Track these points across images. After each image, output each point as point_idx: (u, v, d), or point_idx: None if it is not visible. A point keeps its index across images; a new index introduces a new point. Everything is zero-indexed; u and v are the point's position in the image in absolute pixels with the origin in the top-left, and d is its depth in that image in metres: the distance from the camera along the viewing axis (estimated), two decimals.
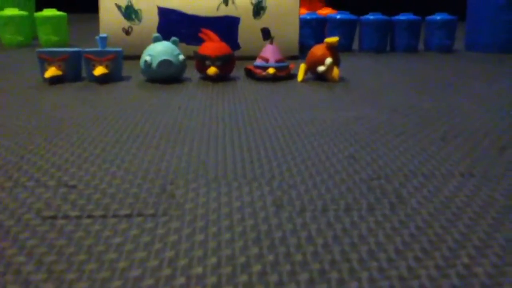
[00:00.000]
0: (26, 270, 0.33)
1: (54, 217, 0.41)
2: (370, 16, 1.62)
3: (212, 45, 1.07)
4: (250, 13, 1.38)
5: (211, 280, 0.32)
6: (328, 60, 1.06)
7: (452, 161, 0.56)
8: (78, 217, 0.41)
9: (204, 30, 1.12)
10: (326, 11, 2.05)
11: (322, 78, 1.10)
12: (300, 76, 1.09)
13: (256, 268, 0.34)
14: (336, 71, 1.07)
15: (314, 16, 1.64)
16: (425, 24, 1.68)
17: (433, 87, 1.04)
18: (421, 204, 0.45)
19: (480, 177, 0.52)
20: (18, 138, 0.64)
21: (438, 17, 1.65)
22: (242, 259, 0.35)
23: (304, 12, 1.86)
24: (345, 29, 1.64)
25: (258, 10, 1.38)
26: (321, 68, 1.07)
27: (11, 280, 0.32)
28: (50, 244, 0.37)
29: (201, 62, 1.07)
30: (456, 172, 0.53)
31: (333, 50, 1.07)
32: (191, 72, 1.17)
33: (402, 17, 1.63)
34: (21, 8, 1.78)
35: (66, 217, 0.41)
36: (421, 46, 1.71)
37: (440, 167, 0.54)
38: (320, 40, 1.64)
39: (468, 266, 0.34)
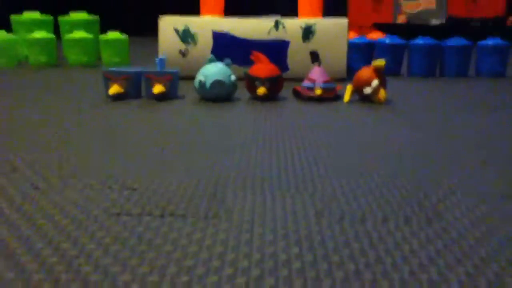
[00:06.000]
0: (96, 255, 0.39)
1: (118, 214, 0.47)
2: (420, 41, 1.63)
3: (262, 66, 1.12)
4: (300, 36, 1.44)
5: (255, 272, 0.36)
6: (375, 82, 1.08)
7: (491, 183, 0.58)
8: (139, 215, 0.47)
9: (254, 52, 1.18)
10: (375, 35, 2.08)
11: (369, 99, 1.12)
12: (347, 97, 1.12)
13: (296, 265, 0.37)
14: (382, 93, 1.09)
15: (363, 40, 1.67)
16: (476, 49, 1.67)
17: (480, 112, 1.04)
18: (457, 219, 0.47)
19: None
20: (85, 147, 0.71)
21: (490, 42, 1.63)
22: (283, 257, 0.39)
23: (353, 36, 1.89)
24: (394, 53, 1.66)
25: (307, 34, 1.43)
26: (367, 90, 1.09)
27: (83, 262, 0.37)
28: (115, 236, 0.42)
29: (251, 82, 1.12)
30: (494, 192, 0.54)
31: (379, 72, 1.10)
32: (242, 92, 1.23)
33: (452, 42, 1.63)
34: (87, 31, 1.93)
35: (129, 214, 0.47)
36: (471, 71, 1.70)
37: (479, 187, 0.56)
38: (368, 64, 1.66)
39: (499, 275, 0.36)
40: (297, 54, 1.44)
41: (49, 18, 2.03)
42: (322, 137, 0.79)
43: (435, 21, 3.66)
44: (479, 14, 3.48)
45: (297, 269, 0.37)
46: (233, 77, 1.10)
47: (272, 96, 1.14)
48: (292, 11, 1.62)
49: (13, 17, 1.99)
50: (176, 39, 1.44)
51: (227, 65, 1.12)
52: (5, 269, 0.36)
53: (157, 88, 1.08)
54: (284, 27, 1.44)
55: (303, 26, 1.43)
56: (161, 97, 1.11)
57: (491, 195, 0.53)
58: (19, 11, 2.01)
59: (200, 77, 1.09)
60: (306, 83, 1.16)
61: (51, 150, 0.70)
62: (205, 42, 1.44)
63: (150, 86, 1.10)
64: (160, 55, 1.38)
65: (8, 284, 0.34)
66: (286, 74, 1.45)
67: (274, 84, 1.11)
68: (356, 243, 0.41)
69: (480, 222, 0.46)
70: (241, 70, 1.42)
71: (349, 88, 1.13)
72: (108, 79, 1.10)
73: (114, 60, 1.83)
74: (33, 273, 0.36)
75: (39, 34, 1.82)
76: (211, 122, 0.90)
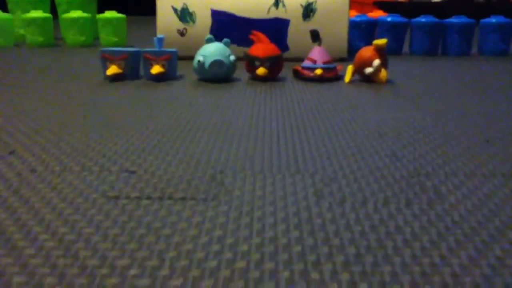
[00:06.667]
0: (94, 239, 0.38)
1: (117, 197, 0.46)
2: (422, 19, 1.61)
3: (262, 46, 1.11)
4: (300, 15, 1.41)
5: (255, 256, 0.36)
6: (376, 62, 1.07)
7: (494, 162, 0.57)
8: (138, 198, 0.46)
9: (254, 31, 1.16)
10: (376, 14, 2.05)
11: (370, 80, 1.11)
12: (347, 78, 1.11)
13: (296, 248, 0.37)
14: (383, 73, 1.08)
15: (364, 19, 1.64)
16: (479, 27, 1.64)
17: (483, 91, 1.03)
18: (459, 200, 0.46)
19: None
20: (83, 129, 0.71)
21: (493, 20, 1.61)
22: (284, 240, 0.38)
23: (354, 14, 1.87)
24: (396, 32, 1.64)
25: (308, 12, 1.41)
26: (368, 70, 1.08)
27: (82, 247, 0.37)
28: (114, 220, 0.42)
29: (251, 62, 1.11)
30: (498, 172, 0.54)
31: (381, 52, 1.08)
32: (241, 73, 1.21)
33: (454, 20, 1.60)
34: (84, 11, 1.89)
35: (127, 197, 0.46)
36: (474, 50, 1.67)
37: (482, 167, 0.55)
38: (369, 43, 1.64)
39: (501, 258, 0.36)
40: (297, 33, 1.42)
41: None
42: (323, 118, 0.78)
43: None
44: None
45: (297, 253, 0.36)
46: (232, 57, 1.09)
47: (272, 77, 1.13)
48: None
49: None
50: (174, 19, 1.42)
51: (226, 44, 1.10)
52: (1, 254, 0.36)
53: (156, 69, 1.07)
54: (284, 5, 1.41)
55: (304, 4, 1.41)
56: (159, 78, 1.09)
57: (494, 176, 0.52)
58: None
59: (199, 57, 1.08)
60: (306, 63, 1.14)
61: (49, 132, 0.69)
62: (204, 21, 1.42)
63: (148, 66, 1.09)
64: (158, 35, 1.36)
65: (5, 270, 0.34)
66: (286, 54, 1.43)
67: (274, 64, 1.10)
68: (357, 226, 0.41)
69: (482, 203, 0.45)
70: (241, 50, 1.40)
71: (350, 69, 1.12)
72: (106, 59, 1.08)
73: (112, 39, 1.81)
74: (31, 258, 0.36)
75: (36, 13, 1.79)
76: (211, 103, 0.89)
